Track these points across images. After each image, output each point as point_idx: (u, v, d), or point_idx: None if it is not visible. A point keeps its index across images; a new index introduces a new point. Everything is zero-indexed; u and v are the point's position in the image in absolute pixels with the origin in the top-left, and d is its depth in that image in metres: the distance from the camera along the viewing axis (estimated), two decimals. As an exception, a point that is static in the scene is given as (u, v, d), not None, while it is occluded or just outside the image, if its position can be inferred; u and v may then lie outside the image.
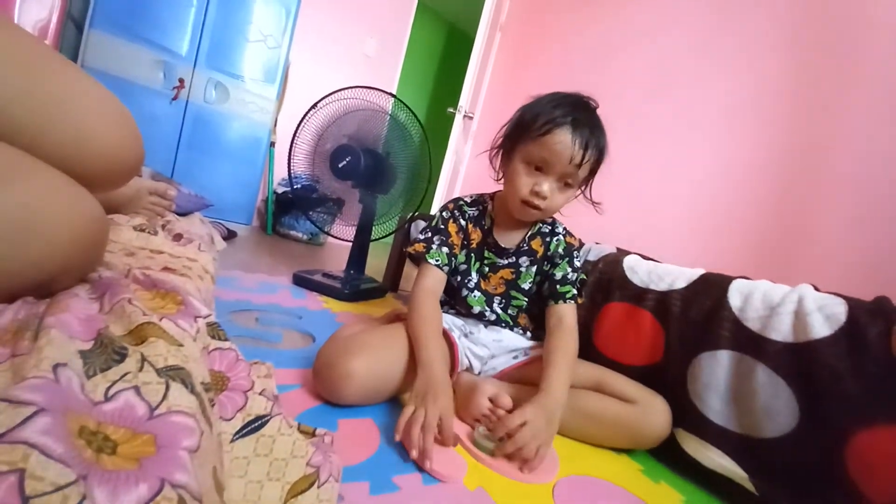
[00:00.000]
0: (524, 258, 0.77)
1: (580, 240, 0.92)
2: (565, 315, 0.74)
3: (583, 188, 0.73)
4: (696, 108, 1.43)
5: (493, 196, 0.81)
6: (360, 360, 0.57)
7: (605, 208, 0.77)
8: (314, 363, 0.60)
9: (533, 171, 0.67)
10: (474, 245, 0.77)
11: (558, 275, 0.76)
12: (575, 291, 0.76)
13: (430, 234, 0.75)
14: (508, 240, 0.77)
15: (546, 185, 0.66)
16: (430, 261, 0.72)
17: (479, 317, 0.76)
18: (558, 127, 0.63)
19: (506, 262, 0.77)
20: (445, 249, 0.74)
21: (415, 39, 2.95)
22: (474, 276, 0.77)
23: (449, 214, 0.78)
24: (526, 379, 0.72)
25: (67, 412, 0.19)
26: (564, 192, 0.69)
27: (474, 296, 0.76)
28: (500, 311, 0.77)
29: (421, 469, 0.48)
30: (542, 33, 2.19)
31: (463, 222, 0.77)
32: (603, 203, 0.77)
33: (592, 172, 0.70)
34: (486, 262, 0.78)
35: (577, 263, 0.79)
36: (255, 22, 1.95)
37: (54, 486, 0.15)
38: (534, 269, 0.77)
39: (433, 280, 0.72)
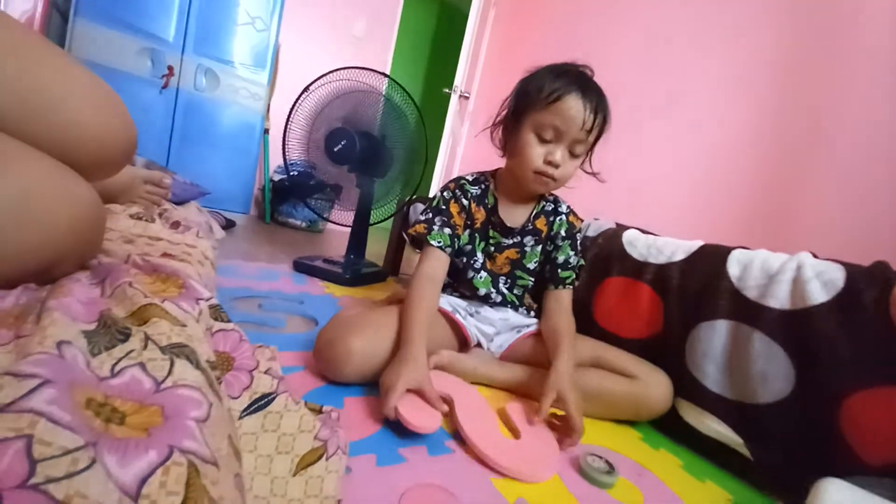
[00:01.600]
0: (529, 237, 0.77)
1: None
2: (563, 299, 0.75)
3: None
4: (692, 82, 1.41)
5: (494, 174, 0.79)
6: (360, 338, 0.58)
7: (602, 184, 0.76)
8: (315, 343, 0.61)
9: (544, 141, 0.66)
10: (478, 224, 0.76)
11: (560, 258, 0.76)
12: (574, 276, 0.76)
13: (430, 215, 0.73)
14: (513, 219, 0.76)
15: (559, 153, 0.66)
16: (432, 242, 0.70)
17: (485, 299, 0.76)
18: (568, 93, 0.63)
19: (511, 241, 0.76)
20: (448, 231, 0.72)
21: (406, 18, 2.87)
22: (480, 257, 0.76)
23: (450, 195, 0.75)
24: (527, 354, 0.73)
25: (73, 385, 0.20)
26: (574, 159, 0.68)
27: (480, 277, 0.76)
28: (505, 290, 0.77)
29: (409, 433, 0.49)
30: (536, 8, 2.14)
31: (465, 202, 0.75)
32: (600, 178, 0.76)
33: (596, 140, 0.70)
34: (491, 241, 0.77)
35: (579, 246, 0.78)
36: (242, 4, 1.90)
37: (63, 451, 0.15)
38: (539, 248, 0.77)
39: (434, 264, 0.70)
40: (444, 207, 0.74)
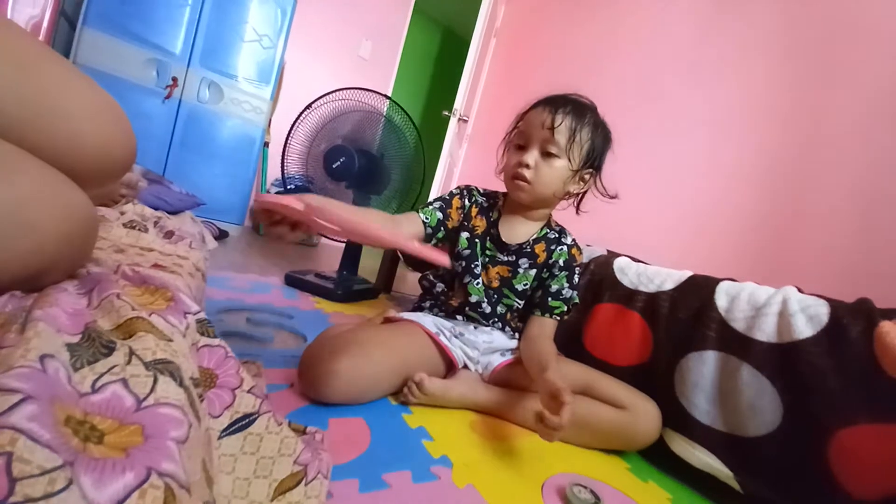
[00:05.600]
0: (524, 260, 0.77)
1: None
2: (547, 327, 0.75)
3: (587, 177, 0.74)
4: (686, 114, 1.46)
5: (505, 195, 0.82)
6: (345, 358, 0.57)
7: (595, 213, 0.78)
8: (300, 361, 0.60)
9: (518, 150, 0.72)
10: (479, 232, 0.78)
11: (553, 287, 0.76)
12: (565, 308, 0.76)
13: (433, 200, 0.78)
14: (511, 236, 0.77)
15: (528, 156, 0.70)
16: (419, 212, 0.74)
17: (475, 307, 0.76)
18: (535, 106, 0.72)
19: (505, 258, 0.77)
20: (439, 214, 0.75)
21: (410, 43, 2.96)
22: (480, 262, 0.77)
23: (458, 191, 0.80)
24: (513, 378, 0.73)
25: (54, 401, 0.19)
26: (550, 163, 0.70)
27: (477, 283, 0.76)
28: (493, 304, 0.77)
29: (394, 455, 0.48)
30: (536, 39, 2.22)
31: (468, 203, 0.79)
32: (593, 208, 0.78)
33: (592, 157, 0.72)
34: (487, 252, 0.78)
35: (576, 280, 0.78)
36: (251, 22, 1.95)
37: (41, 470, 0.15)
38: (532, 272, 0.77)
39: (405, 219, 0.72)
40: (447, 198, 0.78)
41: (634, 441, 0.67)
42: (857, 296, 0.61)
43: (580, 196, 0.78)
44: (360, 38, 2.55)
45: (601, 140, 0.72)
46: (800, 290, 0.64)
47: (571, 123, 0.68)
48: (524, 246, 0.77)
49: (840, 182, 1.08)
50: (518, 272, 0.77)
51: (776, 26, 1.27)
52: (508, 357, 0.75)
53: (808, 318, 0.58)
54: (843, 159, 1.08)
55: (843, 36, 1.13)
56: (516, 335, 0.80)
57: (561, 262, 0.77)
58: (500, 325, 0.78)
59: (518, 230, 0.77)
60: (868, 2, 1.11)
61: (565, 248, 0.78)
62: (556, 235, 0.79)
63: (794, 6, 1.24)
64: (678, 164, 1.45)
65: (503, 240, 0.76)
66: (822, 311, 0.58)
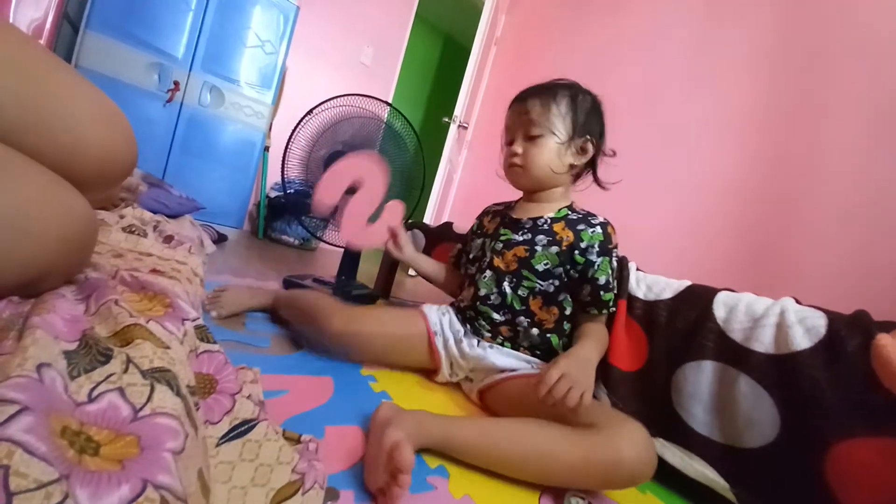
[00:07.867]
0: (542, 237, 0.74)
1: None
2: (601, 320, 0.77)
3: (588, 146, 0.75)
4: (681, 123, 1.47)
5: (520, 198, 0.87)
6: (372, 323, 0.74)
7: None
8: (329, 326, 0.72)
9: (508, 146, 0.78)
10: (491, 230, 0.83)
11: (601, 279, 0.71)
12: (614, 297, 0.74)
13: None
14: (524, 213, 0.80)
15: (516, 146, 0.75)
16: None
17: (485, 300, 0.75)
18: (511, 104, 0.78)
19: (520, 238, 0.76)
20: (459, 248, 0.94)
21: (411, 50, 2.99)
22: (488, 255, 0.79)
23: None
24: (512, 397, 0.67)
25: (51, 412, 0.19)
26: (536, 143, 0.73)
27: (485, 276, 0.77)
28: (509, 290, 0.74)
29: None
30: (536, 49, 2.24)
31: (478, 221, 0.90)
32: (598, 208, 0.79)
33: (580, 124, 0.73)
34: (501, 237, 0.79)
35: (615, 263, 0.74)
36: (253, 27, 1.96)
37: (38, 484, 0.15)
38: (553, 250, 0.73)
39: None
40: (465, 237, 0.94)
41: (616, 470, 0.49)
42: (849, 307, 0.61)
43: (587, 166, 0.78)
44: (362, 44, 2.57)
45: (586, 105, 0.75)
46: (798, 302, 0.65)
47: (542, 101, 0.73)
48: (539, 222, 0.76)
49: (833, 191, 1.09)
50: (536, 251, 0.74)
51: (771, 37, 1.29)
52: (508, 373, 0.70)
53: (806, 329, 0.58)
54: (836, 168, 1.09)
55: (836, 47, 1.15)
56: (546, 335, 0.74)
57: (597, 247, 0.72)
58: (513, 313, 0.74)
59: (531, 210, 0.80)
60: (861, 13, 1.12)
61: (598, 228, 0.73)
62: (581, 217, 0.76)
63: (787, 17, 1.26)
64: (672, 172, 1.46)
65: (515, 217, 0.80)
66: (820, 322, 0.58)
